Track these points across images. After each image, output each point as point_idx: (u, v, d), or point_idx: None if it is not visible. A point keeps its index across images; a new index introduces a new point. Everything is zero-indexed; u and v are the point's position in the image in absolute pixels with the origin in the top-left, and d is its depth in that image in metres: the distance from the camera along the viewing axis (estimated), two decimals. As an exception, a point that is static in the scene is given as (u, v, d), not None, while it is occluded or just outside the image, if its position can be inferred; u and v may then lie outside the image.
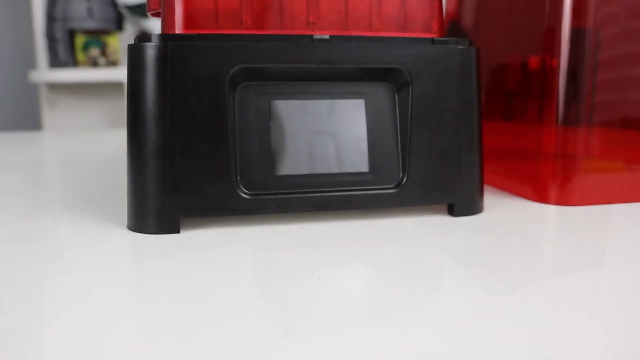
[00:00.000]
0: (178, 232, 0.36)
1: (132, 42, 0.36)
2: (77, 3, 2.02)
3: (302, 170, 0.38)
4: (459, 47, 0.39)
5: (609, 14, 0.43)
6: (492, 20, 0.53)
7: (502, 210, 0.43)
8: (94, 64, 2.10)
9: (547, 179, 0.45)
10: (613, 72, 0.44)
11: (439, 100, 0.39)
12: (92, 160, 0.70)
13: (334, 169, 0.38)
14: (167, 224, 0.36)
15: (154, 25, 2.18)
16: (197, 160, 0.36)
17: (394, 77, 0.39)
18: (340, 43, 0.37)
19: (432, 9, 0.41)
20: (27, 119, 2.45)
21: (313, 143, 0.38)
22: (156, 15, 0.42)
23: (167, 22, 0.37)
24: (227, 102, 0.36)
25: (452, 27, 0.60)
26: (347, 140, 0.39)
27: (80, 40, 2.09)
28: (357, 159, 0.39)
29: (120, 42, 2.22)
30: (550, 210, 0.43)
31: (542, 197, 0.45)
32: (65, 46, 2.04)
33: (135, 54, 0.35)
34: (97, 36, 2.11)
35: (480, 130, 0.41)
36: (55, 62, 2.07)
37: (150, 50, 0.35)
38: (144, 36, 0.36)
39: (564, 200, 0.44)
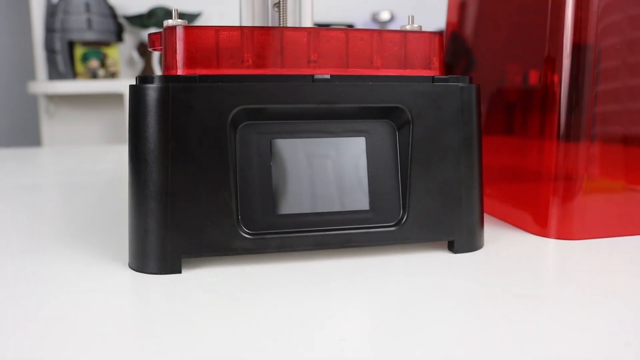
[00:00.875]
0: (180, 272, 0.36)
1: (134, 82, 0.36)
2: (77, 15, 2.03)
3: (303, 209, 0.38)
4: (460, 84, 0.39)
5: (610, 29, 0.43)
6: (493, 32, 0.53)
7: (502, 246, 0.43)
8: (93, 75, 2.10)
9: (547, 208, 0.45)
10: (614, 85, 0.44)
11: (439, 138, 0.39)
12: (92, 182, 0.70)
13: (335, 207, 0.39)
14: (169, 264, 0.36)
15: (153, 36, 2.17)
16: (199, 201, 0.36)
17: (395, 115, 0.39)
18: (341, 83, 0.37)
19: (433, 46, 0.41)
20: (26, 130, 2.45)
21: (314, 181, 0.38)
22: (157, 50, 0.42)
23: (168, 62, 0.38)
24: (228, 142, 0.36)
25: (453, 38, 0.60)
26: (348, 178, 0.39)
27: (79, 51, 2.10)
28: (357, 197, 0.39)
29: (119, 53, 2.22)
30: (551, 246, 0.43)
31: (542, 225, 0.45)
32: (65, 58, 2.05)
33: (136, 95, 0.36)
34: (96, 47, 2.11)
35: (480, 166, 0.41)
36: (55, 73, 2.07)
37: (152, 92, 0.35)
38: (145, 76, 0.36)
39: (564, 231, 0.44)
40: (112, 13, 2.11)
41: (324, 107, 0.38)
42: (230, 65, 0.38)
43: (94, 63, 2.10)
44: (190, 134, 0.36)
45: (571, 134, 0.43)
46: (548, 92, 0.44)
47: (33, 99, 2.37)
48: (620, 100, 0.44)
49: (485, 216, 0.52)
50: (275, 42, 0.38)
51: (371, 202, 0.39)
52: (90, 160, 0.94)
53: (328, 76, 0.37)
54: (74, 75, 2.09)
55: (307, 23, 0.55)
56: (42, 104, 2.17)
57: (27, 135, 2.48)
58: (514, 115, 0.49)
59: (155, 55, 2.17)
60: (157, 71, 2.17)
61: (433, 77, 0.39)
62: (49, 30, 2.05)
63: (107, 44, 2.12)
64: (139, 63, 2.28)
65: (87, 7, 2.03)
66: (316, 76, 0.37)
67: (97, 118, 2.25)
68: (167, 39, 0.38)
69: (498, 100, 0.52)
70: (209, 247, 0.36)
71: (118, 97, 2.21)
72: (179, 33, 0.37)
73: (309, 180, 0.38)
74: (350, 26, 2.42)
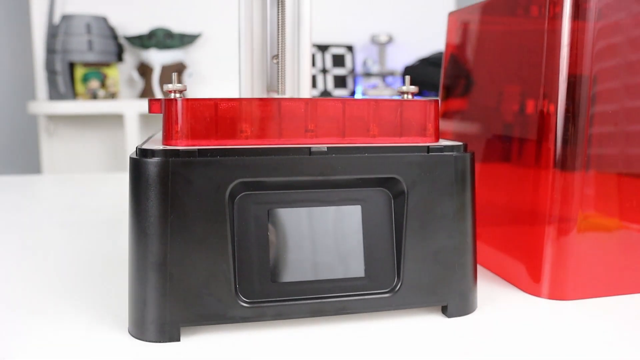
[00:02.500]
0: (178, 340, 0.37)
1: (134, 155, 0.37)
2: (78, 36, 2.04)
3: (300, 277, 0.39)
4: (454, 154, 0.40)
5: (606, 60, 0.44)
6: (491, 57, 0.54)
7: (496, 307, 0.43)
8: (94, 96, 2.11)
9: (541, 259, 0.45)
10: (610, 120, 0.44)
11: (433, 207, 0.40)
12: (92, 221, 0.71)
13: (330, 275, 0.39)
14: (168, 333, 0.37)
15: (153, 56, 2.19)
16: (197, 272, 0.37)
17: (391, 184, 0.40)
18: (338, 155, 0.38)
19: (428, 113, 0.42)
20: (26, 149, 2.45)
21: (310, 249, 0.39)
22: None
23: (168, 132, 0.38)
24: (226, 213, 0.37)
25: (452, 60, 0.61)
26: (344, 245, 0.40)
27: (79, 72, 2.11)
28: (353, 265, 0.40)
29: (119, 73, 2.24)
30: (544, 307, 0.44)
31: (535, 280, 0.46)
32: (65, 78, 2.06)
33: (137, 168, 0.36)
34: (96, 68, 2.12)
35: (474, 233, 0.42)
36: (55, 94, 2.08)
37: (152, 167, 0.36)
38: (145, 149, 0.36)
39: (558, 291, 0.45)
40: (112, 34, 2.13)
41: (321, 178, 0.38)
42: (229, 135, 0.39)
43: (94, 83, 2.11)
44: (189, 207, 0.36)
45: (567, 163, 0.44)
46: (544, 121, 0.45)
47: (33, 119, 2.38)
48: (615, 135, 0.45)
49: (479, 269, 0.53)
50: (274, 112, 0.39)
51: (366, 269, 0.40)
52: (89, 193, 0.95)
53: (325, 148, 0.38)
54: (74, 95, 2.10)
55: (306, 77, 0.56)
56: (42, 124, 2.18)
57: (27, 154, 2.48)
58: (509, 142, 0.50)
59: (155, 76, 2.19)
60: (157, 92, 2.18)
61: (428, 146, 0.40)
62: (50, 51, 2.06)
63: (107, 64, 2.14)
64: (139, 83, 2.29)
65: (88, 29, 2.05)
66: (313, 149, 0.38)
67: (97, 138, 2.26)
68: (167, 109, 0.38)
69: (494, 125, 0.52)
70: (207, 316, 0.37)
71: (118, 117, 2.22)
72: (179, 105, 0.38)
73: (305, 249, 0.39)
74: (350, 47, 2.43)
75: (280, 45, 0.55)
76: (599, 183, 0.45)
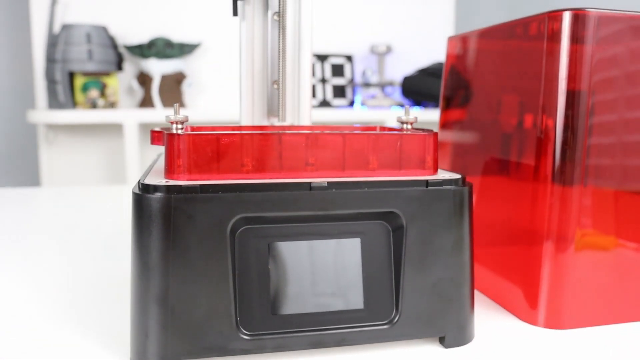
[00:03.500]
0: (178, 372, 0.37)
1: (136, 190, 0.38)
2: (78, 46, 2.05)
3: (300, 309, 0.39)
4: (452, 188, 0.41)
5: (604, 74, 0.44)
6: (490, 69, 0.54)
7: (493, 337, 0.44)
8: (93, 105, 2.12)
9: (538, 287, 0.46)
10: (608, 135, 0.45)
11: (431, 240, 0.41)
12: (93, 239, 0.71)
13: (330, 307, 0.40)
14: (168, 366, 0.37)
15: (153, 65, 2.20)
16: (198, 305, 0.37)
17: (390, 218, 0.40)
18: (338, 190, 0.39)
19: (427, 146, 0.42)
20: (25, 157, 2.46)
21: (310, 282, 0.40)
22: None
23: (170, 165, 0.39)
24: (227, 248, 0.37)
25: (452, 73, 0.61)
26: (343, 277, 0.40)
27: (79, 81, 2.11)
28: (352, 297, 0.40)
29: (119, 83, 2.24)
30: (541, 337, 0.44)
31: (532, 306, 0.46)
32: (65, 88, 2.06)
33: (139, 204, 0.37)
34: (96, 77, 2.13)
35: (472, 265, 0.42)
36: (55, 103, 2.09)
37: (155, 202, 0.36)
38: (147, 184, 0.37)
39: (555, 319, 0.45)
40: (112, 43, 2.13)
41: (321, 213, 0.39)
42: (231, 169, 0.39)
43: (93, 93, 2.12)
44: (191, 241, 0.37)
45: (564, 177, 0.44)
46: (542, 135, 0.45)
47: (32, 128, 2.38)
48: (613, 148, 0.45)
49: (476, 294, 0.53)
50: (274, 146, 0.40)
51: (365, 301, 0.40)
52: (89, 208, 0.95)
53: (325, 183, 0.39)
54: (73, 104, 2.11)
55: (306, 102, 0.56)
56: (42, 132, 2.19)
57: (26, 163, 2.49)
58: (507, 155, 0.50)
59: (155, 85, 2.19)
60: (157, 101, 2.18)
61: (427, 180, 0.40)
62: (50, 60, 2.07)
63: (107, 74, 2.14)
64: (139, 92, 2.30)
65: (88, 38, 2.05)
66: (313, 184, 0.38)
67: (96, 146, 2.27)
68: (169, 143, 0.39)
69: (492, 138, 0.52)
70: (208, 349, 0.37)
71: (117, 126, 2.23)
72: (181, 141, 0.38)
73: (305, 281, 0.39)
74: (349, 57, 2.44)
75: (280, 71, 0.55)
76: (596, 198, 0.45)
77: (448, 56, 0.62)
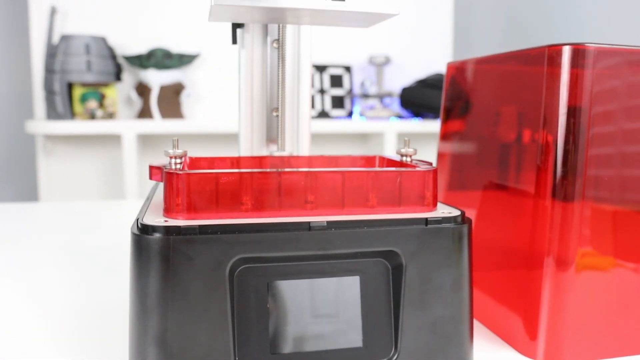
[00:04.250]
0: (177, 413, 0.37)
1: (135, 231, 0.37)
2: (77, 56, 2.05)
3: (299, 348, 0.39)
4: (452, 226, 0.41)
5: (605, 92, 0.44)
6: (490, 82, 0.54)
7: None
8: (92, 115, 2.12)
9: (538, 307, 0.46)
10: (608, 148, 0.45)
11: (431, 277, 0.40)
12: (92, 260, 0.71)
13: (329, 345, 0.40)
14: (166, 407, 0.37)
15: (152, 76, 2.20)
16: (197, 345, 0.37)
17: (389, 256, 0.40)
18: (337, 230, 0.39)
19: (427, 182, 0.42)
20: (23, 167, 2.46)
21: (309, 321, 0.39)
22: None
23: (169, 204, 0.39)
24: (225, 288, 0.37)
25: (452, 84, 0.61)
26: (342, 316, 0.40)
27: (78, 92, 2.11)
28: (351, 335, 0.40)
29: (117, 93, 2.24)
30: (540, 374, 0.44)
31: (532, 337, 0.46)
32: (63, 99, 2.06)
33: (138, 244, 0.37)
34: (95, 88, 2.13)
35: (471, 302, 0.42)
36: (53, 114, 2.09)
37: (154, 244, 0.36)
38: (146, 225, 0.37)
39: (554, 354, 0.45)
40: (111, 54, 2.13)
41: (321, 252, 0.39)
42: (230, 208, 0.39)
43: (92, 104, 2.12)
44: (190, 282, 0.37)
45: (565, 194, 0.44)
46: (542, 151, 0.45)
47: (31, 138, 2.38)
48: (613, 164, 0.45)
49: (475, 324, 0.53)
50: (274, 184, 0.39)
51: (364, 339, 0.40)
52: (87, 226, 0.95)
53: (324, 223, 0.38)
54: (72, 115, 2.10)
55: (305, 131, 0.56)
56: (40, 143, 2.18)
57: (24, 173, 2.48)
58: (506, 171, 0.50)
59: (154, 96, 2.19)
60: (155, 112, 2.18)
61: (426, 219, 0.40)
62: (49, 71, 2.07)
63: (105, 84, 2.14)
64: (137, 103, 2.30)
65: (87, 49, 2.05)
66: (312, 224, 0.38)
67: (95, 157, 2.27)
68: (167, 182, 0.39)
69: (491, 150, 0.52)
70: (206, 389, 0.37)
71: (115, 137, 2.23)
72: (180, 180, 0.38)
73: (304, 320, 0.39)
74: (348, 68, 2.44)
75: (280, 100, 0.55)
76: (595, 216, 0.45)
77: (446, 80, 0.62)
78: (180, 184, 0.38)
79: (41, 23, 2.20)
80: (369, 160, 0.54)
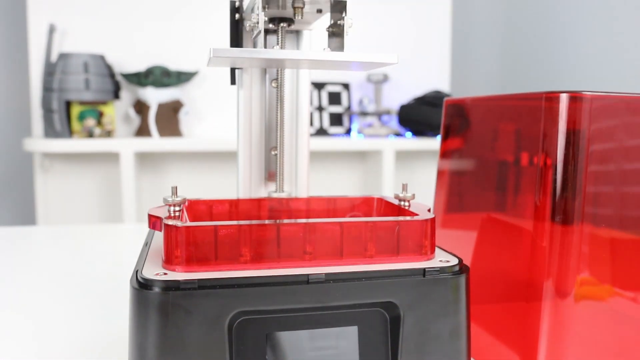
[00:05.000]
0: None
1: (134, 284, 0.37)
2: (75, 75, 2.05)
3: (297, 400, 0.39)
4: (449, 276, 0.41)
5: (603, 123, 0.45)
6: (488, 103, 0.54)
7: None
8: (90, 134, 2.12)
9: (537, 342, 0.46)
10: (607, 170, 0.45)
11: (428, 327, 0.41)
12: (89, 287, 0.71)
13: (327, 397, 0.40)
14: None
15: (150, 94, 2.21)
16: (195, 399, 0.37)
17: (387, 306, 0.40)
18: (335, 283, 0.39)
19: (425, 231, 0.42)
20: (21, 186, 2.46)
21: (308, 372, 0.39)
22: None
23: (168, 256, 0.39)
24: (225, 340, 0.37)
25: (451, 110, 0.61)
26: (341, 367, 0.40)
27: (76, 110, 2.12)
28: (350, 386, 0.40)
29: (115, 110, 2.25)
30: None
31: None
32: (61, 117, 2.07)
33: (138, 299, 0.37)
34: (92, 106, 2.13)
35: (468, 351, 0.42)
36: (51, 132, 2.09)
37: (153, 298, 0.36)
38: (145, 280, 0.37)
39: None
40: (109, 72, 2.14)
41: (319, 305, 0.39)
42: (228, 260, 0.39)
43: (90, 122, 2.12)
44: (189, 336, 0.37)
45: (564, 217, 0.44)
46: (541, 174, 0.45)
47: (29, 155, 2.38)
48: (612, 183, 0.45)
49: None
50: (272, 236, 0.40)
51: (363, 390, 0.40)
52: (85, 252, 0.95)
53: (323, 276, 0.39)
54: (70, 133, 2.11)
55: (303, 171, 0.57)
56: (38, 160, 2.19)
57: (22, 191, 2.48)
58: (504, 196, 0.50)
59: (152, 113, 2.20)
60: (153, 130, 2.19)
61: (424, 269, 0.41)
62: (47, 89, 2.07)
63: (104, 102, 2.15)
64: (135, 120, 2.30)
65: (86, 67, 2.06)
66: (311, 278, 0.38)
67: (92, 175, 2.27)
68: (166, 234, 0.39)
69: (489, 172, 0.53)
70: None
71: (114, 155, 2.23)
72: (179, 233, 0.38)
73: (302, 371, 0.39)
74: (346, 85, 2.45)
75: (278, 141, 0.55)
76: (594, 241, 0.45)
77: (444, 115, 0.63)
78: (179, 237, 0.38)
79: (40, 41, 2.20)
80: (367, 202, 0.54)
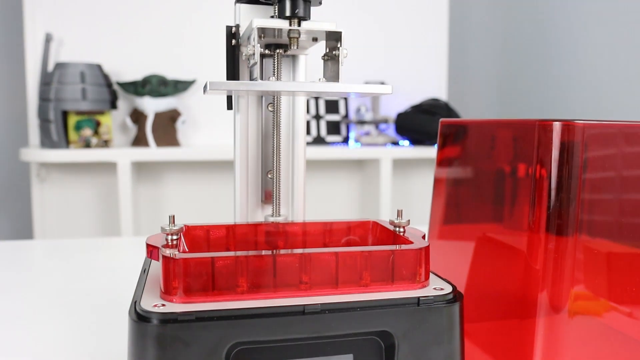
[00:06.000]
0: None
1: (133, 317, 0.38)
2: (72, 85, 2.06)
3: None
4: (444, 305, 0.42)
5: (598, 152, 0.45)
6: (485, 131, 0.55)
7: None
8: (87, 144, 2.12)
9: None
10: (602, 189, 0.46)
11: (423, 355, 0.41)
12: (85, 303, 0.71)
13: None
14: None
15: (147, 103, 2.21)
16: None
17: (382, 335, 0.41)
18: (331, 314, 0.39)
19: (419, 259, 0.43)
20: (18, 196, 2.46)
21: (304, 401, 0.40)
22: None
23: (166, 287, 0.39)
24: (222, 371, 0.38)
25: (445, 137, 0.62)
26: (337, 395, 0.41)
27: (72, 120, 2.12)
28: (345, 414, 0.41)
29: (112, 120, 2.25)
30: None
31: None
32: (58, 127, 2.07)
33: (136, 331, 0.37)
34: (89, 116, 2.14)
35: (464, 379, 0.43)
36: (48, 142, 2.09)
37: (151, 330, 0.37)
38: (143, 312, 0.37)
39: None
40: (106, 82, 2.14)
41: (315, 335, 0.39)
42: (226, 290, 0.40)
43: (87, 131, 2.12)
44: (186, 367, 0.37)
45: (559, 229, 0.44)
46: (536, 185, 0.46)
47: (25, 165, 2.38)
48: (609, 196, 0.45)
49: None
50: (269, 267, 0.40)
51: (359, 418, 0.41)
52: (83, 269, 0.95)
53: (318, 307, 0.39)
54: (67, 143, 2.11)
55: (300, 194, 0.57)
56: (34, 170, 2.19)
57: (18, 201, 2.49)
58: (501, 207, 0.50)
59: (149, 123, 2.20)
60: (150, 139, 2.19)
61: (419, 298, 0.41)
62: (44, 99, 2.08)
63: (101, 112, 2.15)
64: (132, 130, 2.31)
65: (82, 77, 2.06)
66: (307, 309, 0.39)
67: (89, 185, 2.27)
68: (164, 265, 0.39)
69: (484, 195, 0.53)
70: None
71: (111, 165, 2.23)
72: (177, 265, 0.39)
73: (299, 400, 0.40)
74: (345, 98, 2.45)
75: (275, 165, 0.56)
76: (589, 253, 0.45)
77: (440, 135, 0.63)
78: (177, 268, 0.39)
79: (36, 50, 2.21)
80: (362, 226, 0.54)
